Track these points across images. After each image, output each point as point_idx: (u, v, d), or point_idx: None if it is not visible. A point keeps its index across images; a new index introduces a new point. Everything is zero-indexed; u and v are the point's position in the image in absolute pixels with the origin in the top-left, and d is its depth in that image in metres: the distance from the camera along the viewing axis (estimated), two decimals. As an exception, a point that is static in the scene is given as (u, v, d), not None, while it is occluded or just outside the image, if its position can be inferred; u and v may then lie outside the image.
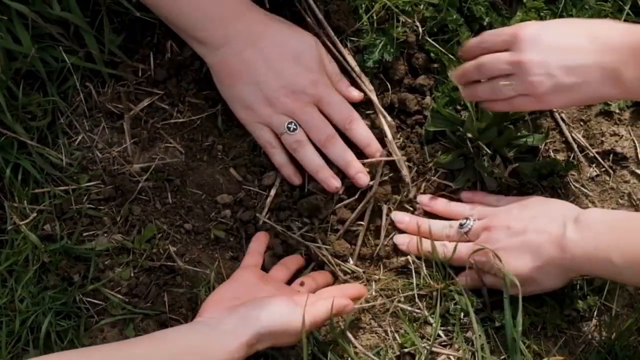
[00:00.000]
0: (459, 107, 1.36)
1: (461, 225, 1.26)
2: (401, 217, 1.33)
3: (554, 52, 1.13)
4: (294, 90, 1.26)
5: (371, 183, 1.33)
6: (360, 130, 1.31)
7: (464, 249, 1.24)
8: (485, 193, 1.32)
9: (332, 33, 1.35)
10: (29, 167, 1.29)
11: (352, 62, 1.35)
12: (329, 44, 1.35)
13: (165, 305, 1.28)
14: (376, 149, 1.31)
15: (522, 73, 1.15)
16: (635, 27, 1.12)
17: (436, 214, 1.33)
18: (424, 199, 1.33)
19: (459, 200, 1.34)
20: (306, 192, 1.33)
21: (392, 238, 1.34)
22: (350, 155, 1.30)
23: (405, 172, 1.34)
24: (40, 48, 1.31)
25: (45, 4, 1.30)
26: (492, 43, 1.19)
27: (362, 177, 1.30)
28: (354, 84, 1.36)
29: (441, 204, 1.33)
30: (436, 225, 1.29)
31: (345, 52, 1.35)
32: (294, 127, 1.27)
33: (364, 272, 1.33)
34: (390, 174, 1.35)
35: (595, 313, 1.26)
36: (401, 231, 1.33)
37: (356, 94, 1.33)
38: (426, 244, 1.28)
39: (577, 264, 1.14)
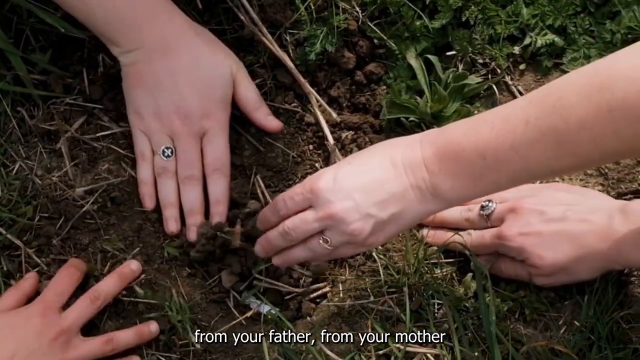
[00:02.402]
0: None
1: (482, 208, 1.21)
2: None
3: (361, 192, 1.05)
4: (186, 115, 1.22)
5: None
6: (218, 185, 1.25)
7: (488, 234, 1.20)
8: None
9: (265, 30, 1.30)
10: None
11: (289, 63, 1.31)
12: (265, 41, 1.29)
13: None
14: (221, 210, 1.25)
15: (336, 225, 1.06)
16: (431, 135, 1.05)
17: None
18: None
19: None
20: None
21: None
22: (198, 205, 1.25)
23: None
24: (-36, 76, 1.25)
25: (-35, 29, 1.24)
26: (291, 206, 1.11)
27: (194, 231, 1.24)
28: (295, 84, 1.31)
29: None
30: (454, 211, 1.24)
31: (282, 53, 1.31)
32: (169, 154, 1.24)
33: (329, 274, 1.27)
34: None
35: (574, 291, 1.21)
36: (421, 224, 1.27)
37: (274, 124, 1.28)
38: (451, 234, 1.22)
39: (624, 256, 1.12)
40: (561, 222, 1.15)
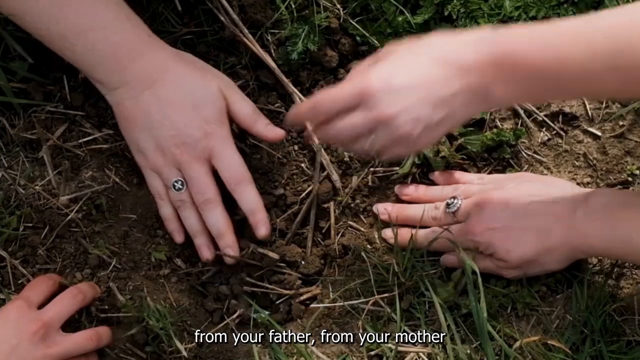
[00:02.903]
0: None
1: (448, 205, 1.20)
2: (383, 208, 1.26)
3: (413, 93, 1.02)
4: (184, 142, 1.19)
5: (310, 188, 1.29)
6: (247, 195, 1.21)
7: (455, 229, 1.19)
8: (462, 172, 1.27)
9: (246, 31, 1.29)
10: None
11: (272, 63, 1.29)
12: (246, 42, 1.28)
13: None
14: (260, 218, 1.21)
15: (386, 128, 1.03)
16: (487, 40, 1.01)
17: (417, 202, 1.27)
18: (402, 189, 1.28)
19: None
20: None
21: (342, 236, 1.28)
22: (224, 226, 1.21)
23: (335, 177, 1.29)
24: (-60, 88, 1.24)
25: (-59, 40, 1.22)
26: (337, 108, 1.05)
27: (229, 252, 1.22)
28: (277, 84, 1.30)
29: (421, 190, 1.27)
30: (419, 209, 1.23)
31: (264, 53, 1.30)
32: (180, 186, 1.21)
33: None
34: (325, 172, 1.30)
35: (565, 285, 1.21)
36: (386, 224, 1.26)
37: (275, 133, 1.24)
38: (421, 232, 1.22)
39: (588, 245, 1.12)
40: (526, 215, 1.14)
